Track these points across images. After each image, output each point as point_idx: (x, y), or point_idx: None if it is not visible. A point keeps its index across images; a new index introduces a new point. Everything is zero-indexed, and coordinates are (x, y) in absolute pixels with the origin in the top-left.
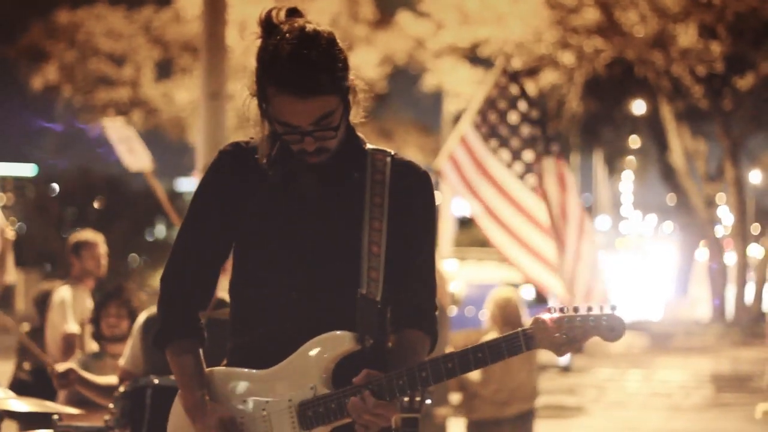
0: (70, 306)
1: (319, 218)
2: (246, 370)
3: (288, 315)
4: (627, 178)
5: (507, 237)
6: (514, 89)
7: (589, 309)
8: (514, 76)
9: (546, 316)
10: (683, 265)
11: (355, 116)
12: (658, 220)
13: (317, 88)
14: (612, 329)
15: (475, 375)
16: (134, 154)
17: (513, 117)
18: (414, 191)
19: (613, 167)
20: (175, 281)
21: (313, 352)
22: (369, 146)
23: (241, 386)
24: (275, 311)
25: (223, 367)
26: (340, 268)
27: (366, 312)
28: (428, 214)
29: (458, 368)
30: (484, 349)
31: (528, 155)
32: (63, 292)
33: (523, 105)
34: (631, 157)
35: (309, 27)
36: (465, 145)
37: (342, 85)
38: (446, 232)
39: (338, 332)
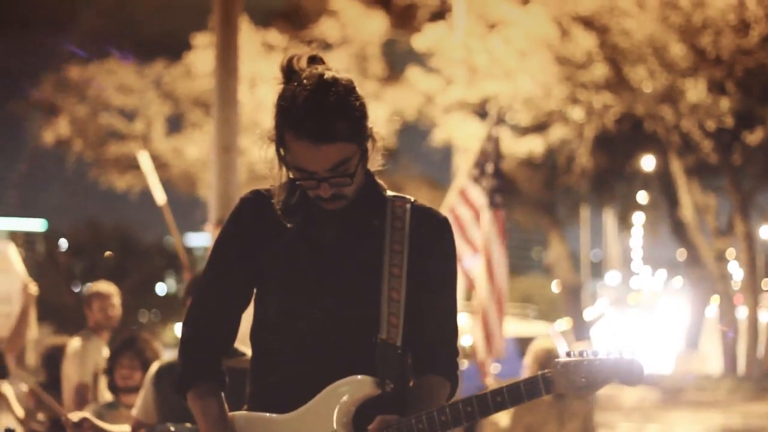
0: (82, 357)
1: (338, 265)
2: (267, 414)
3: (308, 360)
4: (637, 234)
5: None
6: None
7: (609, 353)
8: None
9: (566, 360)
10: (694, 319)
11: (374, 164)
12: (668, 275)
13: (333, 135)
14: (631, 373)
15: (504, 420)
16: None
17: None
18: (434, 238)
19: (624, 222)
20: (197, 326)
21: (334, 397)
22: (389, 193)
23: (261, 431)
24: (296, 356)
25: (245, 412)
26: (360, 313)
27: (386, 357)
28: (448, 260)
29: (477, 411)
30: (503, 393)
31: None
32: (75, 344)
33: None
34: (640, 213)
35: (328, 74)
36: (465, 199)
37: (359, 133)
38: (458, 285)
39: (359, 377)
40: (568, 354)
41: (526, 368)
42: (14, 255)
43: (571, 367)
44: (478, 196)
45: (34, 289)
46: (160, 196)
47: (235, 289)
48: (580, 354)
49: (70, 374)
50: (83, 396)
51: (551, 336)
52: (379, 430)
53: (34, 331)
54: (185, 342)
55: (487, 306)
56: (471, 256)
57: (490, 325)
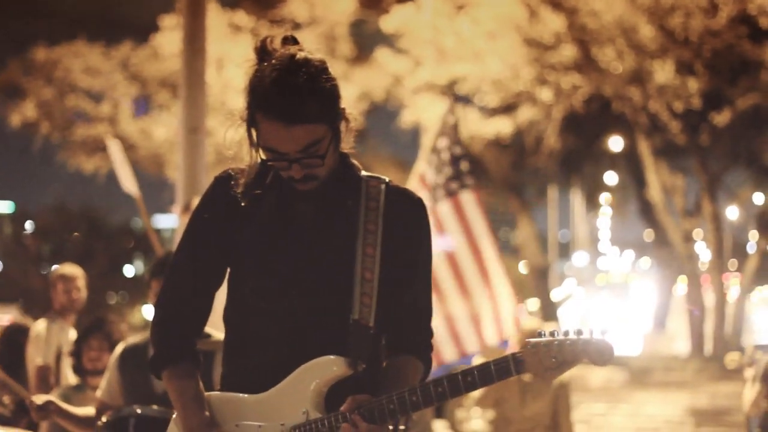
0: (44, 339)
1: (311, 245)
2: (239, 394)
3: (281, 340)
4: (605, 214)
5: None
6: (452, 123)
7: (579, 333)
8: (453, 110)
9: (536, 340)
10: (661, 300)
11: (347, 144)
12: (635, 255)
13: (304, 116)
14: (601, 353)
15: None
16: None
17: (448, 154)
18: (408, 218)
19: (591, 203)
20: (170, 307)
21: (306, 377)
22: (364, 173)
23: (235, 411)
24: (268, 337)
25: (217, 392)
26: (333, 293)
27: (358, 337)
28: (422, 240)
29: (449, 392)
30: (474, 373)
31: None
32: (38, 326)
33: (451, 141)
34: (608, 193)
35: (300, 54)
36: (425, 185)
37: (330, 114)
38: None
39: (331, 357)
40: (539, 334)
41: (513, 348)
42: None
43: (542, 347)
44: (436, 180)
45: None
46: (133, 188)
47: (208, 269)
48: (551, 334)
49: (31, 356)
50: (46, 378)
51: (535, 315)
52: (351, 410)
53: None
54: (158, 323)
55: (450, 293)
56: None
57: (498, 308)
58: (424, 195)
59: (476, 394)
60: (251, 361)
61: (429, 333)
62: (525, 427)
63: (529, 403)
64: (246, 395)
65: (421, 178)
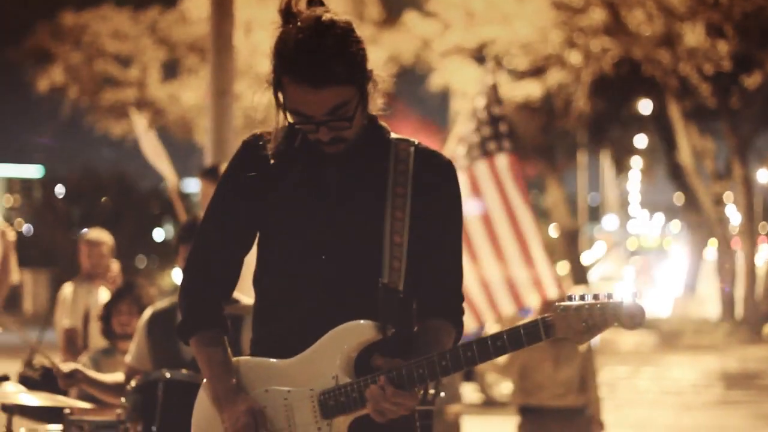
0: (71, 303)
1: (340, 208)
2: (268, 360)
3: (310, 305)
4: (634, 178)
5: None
6: (491, 84)
7: (610, 296)
8: (493, 71)
9: (566, 304)
10: (691, 263)
11: (375, 107)
12: (665, 219)
13: (330, 78)
14: (632, 317)
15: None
16: (160, 157)
17: (485, 114)
18: (438, 181)
19: (621, 166)
20: (199, 271)
21: (335, 342)
22: (393, 136)
23: (263, 376)
24: (297, 301)
25: (246, 357)
26: (362, 257)
27: (388, 301)
28: (453, 203)
29: (478, 356)
30: (503, 337)
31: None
32: (66, 290)
33: (489, 101)
34: (638, 157)
35: (326, 16)
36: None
37: (357, 76)
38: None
39: (360, 321)
40: (569, 298)
41: (536, 314)
42: None
43: (572, 311)
44: (472, 139)
45: (11, 234)
46: (158, 163)
47: (236, 233)
48: (581, 298)
49: (58, 320)
50: (73, 341)
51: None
52: (387, 367)
53: (15, 276)
54: (186, 288)
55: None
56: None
57: (537, 272)
58: (461, 158)
59: (502, 360)
60: (281, 326)
61: (460, 297)
62: (558, 392)
63: (561, 368)
64: (275, 360)
65: (462, 141)
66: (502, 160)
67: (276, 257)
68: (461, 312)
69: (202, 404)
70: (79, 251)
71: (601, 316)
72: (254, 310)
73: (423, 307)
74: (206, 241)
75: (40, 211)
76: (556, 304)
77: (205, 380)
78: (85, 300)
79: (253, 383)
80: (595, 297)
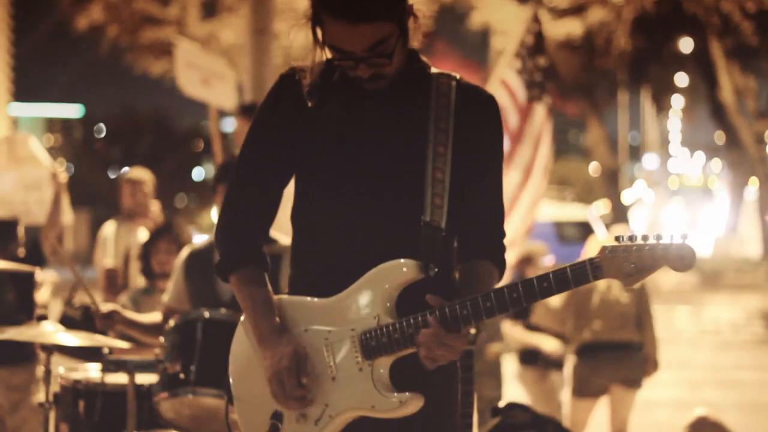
0: (112, 241)
1: (381, 144)
2: (308, 298)
3: (350, 243)
4: (675, 117)
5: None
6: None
7: (659, 238)
8: (537, 17)
9: (614, 245)
10: (733, 202)
11: (415, 42)
12: (706, 158)
13: (370, 14)
14: (682, 258)
15: (555, 301)
16: (209, 86)
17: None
18: (480, 116)
19: (661, 105)
20: (236, 209)
21: (376, 281)
22: (434, 70)
23: (304, 315)
24: (337, 239)
25: (287, 296)
26: (404, 194)
27: (430, 240)
28: (494, 139)
29: (523, 298)
30: (550, 279)
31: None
32: (106, 229)
33: (534, 49)
34: (679, 95)
35: None
36: (507, 89)
37: (397, 11)
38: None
39: (402, 260)
40: (617, 239)
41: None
42: (36, 145)
43: (620, 252)
44: (519, 87)
45: (63, 176)
46: (193, 91)
47: (273, 169)
48: (629, 239)
49: (99, 259)
50: (114, 281)
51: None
52: (437, 305)
53: (68, 216)
54: (224, 226)
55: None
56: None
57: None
58: (504, 98)
59: (557, 304)
60: (320, 265)
61: (502, 234)
62: (613, 324)
63: (616, 300)
64: (315, 299)
65: (503, 82)
66: (541, 112)
67: (314, 194)
68: (503, 250)
69: (241, 342)
70: (119, 190)
71: (650, 258)
72: (292, 247)
73: (464, 246)
74: (243, 178)
75: (80, 151)
76: (605, 245)
77: (243, 318)
78: (125, 239)
79: (293, 322)
80: (644, 238)
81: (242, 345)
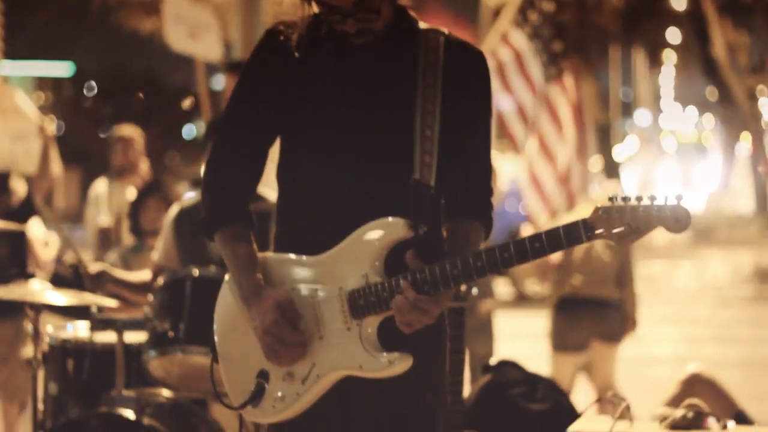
0: (105, 200)
1: (369, 100)
2: (295, 256)
3: (337, 201)
4: (668, 72)
5: (536, 150)
6: None
7: (653, 198)
8: None
9: (608, 205)
10: (725, 158)
11: None
12: (698, 113)
13: None
14: (677, 220)
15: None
16: (196, 39)
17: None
18: (469, 72)
19: (654, 61)
20: (221, 166)
21: (365, 239)
22: (422, 25)
23: (291, 273)
24: (324, 197)
25: (274, 254)
26: (392, 151)
27: (419, 198)
28: (483, 96)
29: (515, 257)
30: (542, 239)
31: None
32: (98, 187)
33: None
34: (671, 51)
35: None
36: (508, 45)
37: None
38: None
39: (390, 219)
40: (611, 200)
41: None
42: (22, 97)
43: (614, 213)
44: (521, 41)
45: (50, 128)
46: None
47: (260, 124)
48: (623, 199)
49: (91, 217)
50: (107, 240)
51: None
52: (418, 268)
53: (57, 168)
54: (209, 183)
55: (535, 160)
56: (507, 98)
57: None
58: (507, 54)
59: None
60: (307, 222)
61: (489, 192)
62: (593, 279)
63: (597, 255)
64: (303, 257)
65: (504, 37)
66: (569, 81)
67: (301, 151)
68: (491, 209)
69: (226, 300)
70: (110, 148)
71: (645, 219)
72: (278, 204)
73: (452, 205)
74: (228, 134)
75: (71, 109)
76: (598, 206)
77: (228, 276)
78: (118, 198)
79: (280, 280)
80: (638, 199)
81: (227, 304)
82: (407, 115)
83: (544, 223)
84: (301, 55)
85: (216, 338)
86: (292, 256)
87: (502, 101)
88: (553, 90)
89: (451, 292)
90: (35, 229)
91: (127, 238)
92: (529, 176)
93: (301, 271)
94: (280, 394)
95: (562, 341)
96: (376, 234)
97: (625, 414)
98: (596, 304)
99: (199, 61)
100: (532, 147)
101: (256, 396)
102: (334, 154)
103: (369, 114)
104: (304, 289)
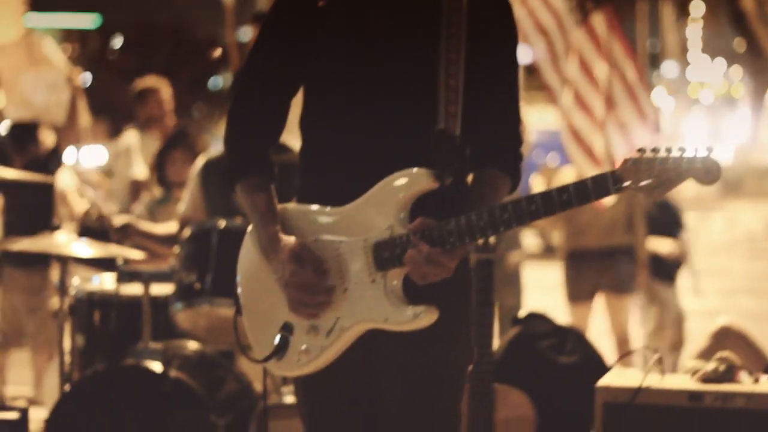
0: (138, 151)
1: (393, 50)
2: (319, 207)
3: (361, 152)
4: (695, 24)
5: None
6: None
7: (683, 150)
8: None
9: (637, 156)
10: (753, 110)
11: None
12: (726, 65)
13: None
14: (708, 171)
15: None
16: None
17: None
18: (494, 18)
19: (682, 12)
20: (244, 114)
21: (389, 190)
22: None
23: (314, 224)
24: (348, 148)
25: (295, 205)
26: (417, 101)
27: (444, 148)
28: (509, 44)
29: (542, 209)
30: (570, 191)
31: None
32: (130, 138)
33: None
34: (699, 2)
35: None
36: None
37: None
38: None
39: (415, 169)
40: (640, 150)
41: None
42: (52, 46)
43: (644, 164)
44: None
45: (78, 78)
46: None
47: (282, 74)
48: (653, 151)
49: (123, 169)
50: (138, 192)
51: None
52: (417, 230)
53: (85, 118)
54: (231, 134)
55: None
56: (539, 42)
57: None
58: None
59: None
60: (331, 174)
61: (518, 142)
62: (604, 231)
63: (608, 207)
64: (326, 208)
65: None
66: (599, 20)
67: (324, 101)
68: (519, 159)
69: (248, 253)
70: (136, 101)
71: (675, 170)
72: (301, 155)
73: (478, 155)
74: (250, 83)
75: (97, 61)
76: (627, 157)
77: (250, 228)
78: (148, 150)
79: (303, 232)
80: (668, 150)
81: (249, 256)
82: (431, 64)
83: (588, 171)
84: (324, 3)
85: (239, 291)
86: (315, 207)
87: (534, 49)
88: (581, 35)
89: (470, 246)
90: (67, 179)
91: (156, 191)
92: (566, 126)
93: (324, 223)
94: (304, 347)
95: (575, 292)
96: (400, 185)
97: (656, 367)
98: (606, 255)
99: (228, 11)
100: (567, 98)
101: (280, 349)
102: (357, 105)
103: (392, 63)
104: (327, 241)
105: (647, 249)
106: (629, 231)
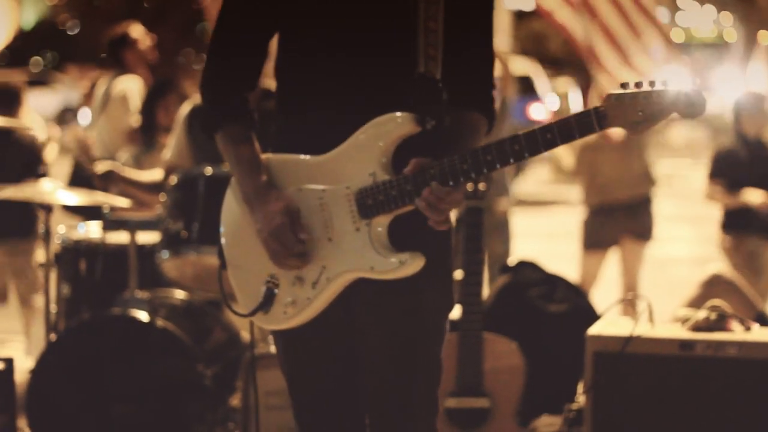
0: (135, 98)
1: None
2: (300, 156)
3: (340, 97)
4: None
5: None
6: None
7: (666, 83)
8: None
9: (620, 92)
10: (744, 55)
11: None
12: (716, 11)
13: None
14: (692, 105)
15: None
16: None
17: None
18: None
19: None
20: (221, 60)
21: (371, 136)
22: None
23: (296, 173)
24: (328, 93)
25: (277, 154)
26: (396, 45)
27: (425, 92)
28: None
29: (526, 149)
30: (553, 129)
31: None
32: (125, 84)
33: None
34: None
35: None
36: None
37: None
38: (502, 25)
39: (397, 114)
40: (623, 86)
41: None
42: None
43: (627, 99)
44: None
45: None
46: None
47: (258, 17)
48: (636, 86)
49: (118, 116)
50: (133, 140)
51: None
52: (415, 172)
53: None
54: (209, 79)
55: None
56: None
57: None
58: None
59: (570, 164)
60: (310, 121)
61: (492, 85)
62: (632, 183)
63: (633, 159)
64: (307, 157)
65: None
66: None
67: (301, 45)
68: (493, 101)
69: (231, 204)
70: (123, 46)
71: (659, 105)
72: (278, 103)
73: (455, 97)
74: (226, 28)
75: (85, 7)
76: (610, 92)
77: (232, 178)
78: (137, 97)
79: (285, 181)
80: (651, 84)
81: (232, 208)
82: (411, 7)
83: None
84: None
85: (223, 243)
86: (297, 156)
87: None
88: None
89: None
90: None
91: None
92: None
93: (306, 172)
94: (290, 299)
95: (593, 240)
96: (382, 130)
97: (646, 315)
98: (633, 205)
99: None
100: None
101: (266, 302)
102: (335, 49)
103: (371, 6)
104: (310, 190)
105: (738, 200)
106: (647, 179)
